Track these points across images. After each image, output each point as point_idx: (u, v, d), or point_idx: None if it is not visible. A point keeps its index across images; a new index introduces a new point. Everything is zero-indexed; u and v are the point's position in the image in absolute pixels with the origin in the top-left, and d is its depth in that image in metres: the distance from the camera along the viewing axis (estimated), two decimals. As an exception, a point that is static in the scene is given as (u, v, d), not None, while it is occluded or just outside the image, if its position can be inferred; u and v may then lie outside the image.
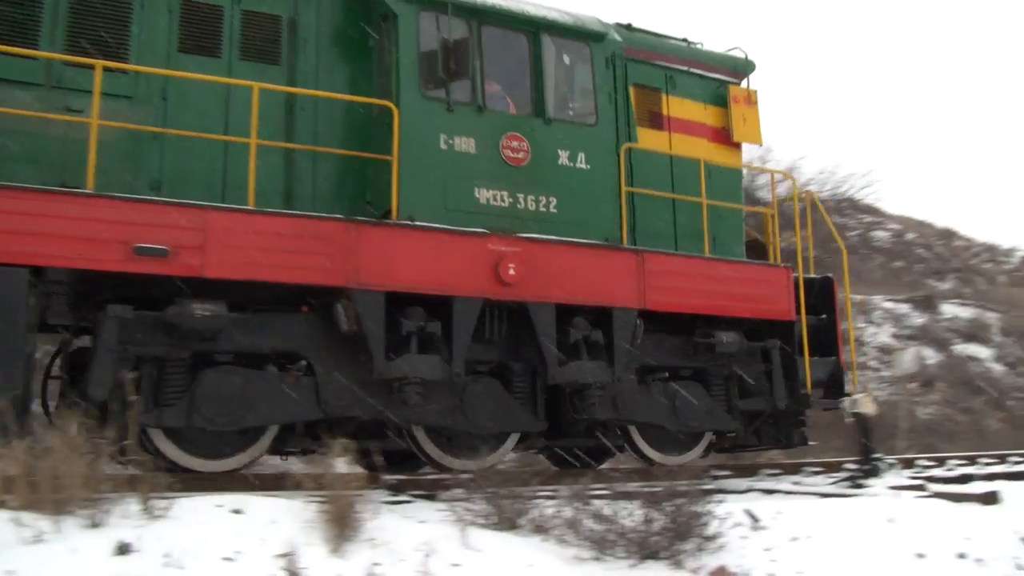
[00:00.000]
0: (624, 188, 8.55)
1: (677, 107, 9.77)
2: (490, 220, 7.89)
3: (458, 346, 7.57)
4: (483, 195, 7.95)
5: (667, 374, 8.84)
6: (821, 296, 9.78)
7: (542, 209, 8.20)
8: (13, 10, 7.05)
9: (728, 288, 8.83)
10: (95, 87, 6.69)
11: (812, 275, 10.24)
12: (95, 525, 4.62)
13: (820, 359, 9.48)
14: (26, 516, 4.50)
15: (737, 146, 10.07)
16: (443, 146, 7.85)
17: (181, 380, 6.98)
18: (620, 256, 8.34)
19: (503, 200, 8.03)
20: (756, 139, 10.15)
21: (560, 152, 8.35)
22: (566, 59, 8.74)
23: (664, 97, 9.71)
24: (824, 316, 9.67)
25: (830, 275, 10.00)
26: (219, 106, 7.61)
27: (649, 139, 9.49)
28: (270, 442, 7.50)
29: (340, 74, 8.12)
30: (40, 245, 6.28)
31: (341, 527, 4.90)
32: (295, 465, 7.89)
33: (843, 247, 9.76)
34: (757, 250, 10.64)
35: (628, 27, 9.76)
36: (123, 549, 4.39)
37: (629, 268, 8.32)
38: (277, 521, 4.94)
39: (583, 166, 8.45)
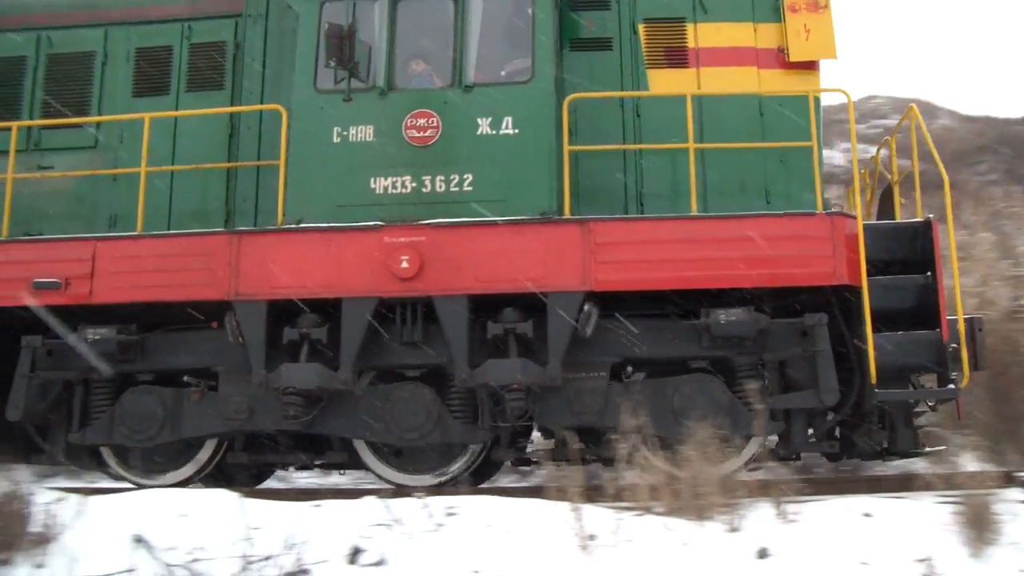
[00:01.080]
0: (567, 149, 7.10)
1: (710, 35, 7.83)
2: (390, 211, 7.13)
3: (346, 352, 6.96)
4: (380, 184, 7.21)
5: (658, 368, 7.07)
6: (919, 247, 7.01)
7: (453, 189, 7.16)
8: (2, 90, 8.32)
9: (726, 252, 6.78)
10: (11, 145, 7.60)
11: (906, 219, 7.38)
12: (734, 529, 4.90)
13: (905, 336, 6.78)
14: (672, 521, 4.95)
15: (808, 67, 7.69)
16: (336, 139, 7.31)
17: (105, 401, 7.48)
18: (554, 230, 6.92)
19: (404, 186, 7.19)
20: (826, 52, 7.64)
21: (480, 121, 7.23)
22: (497, 11, 7.53)
23: (691, 27, 7.85)
24: (928, 274, 6.91)
25: (931, 216, 7.09)
26: (167, 140, 8.04)
27: (665, 81, 7.75)
28: (208, 457, 7.62)
29: (286, 86, 8.01)
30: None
31: (979, 529, 4.75)
32: (918, 464, 7.70)
33: (945, 176, 6.79)
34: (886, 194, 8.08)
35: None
36: (762, 553, 4.57)
37: (569, 243, 6.86)
38: (909, 524, 4.93)
39: (509, 131, 7.20)
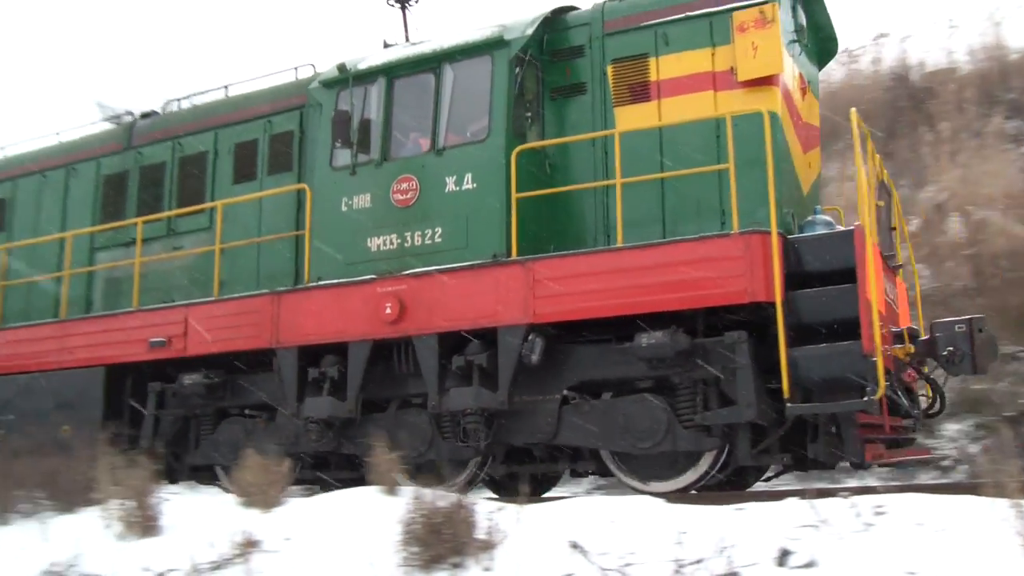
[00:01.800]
0: (515, 196, 7.90)
1: (671, 66, 8.20)
2: (381, 265, 8.42)
3: (351, 386, 8.35)
4: (374, 243, 8.53)
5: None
6: (844, 257, 6.93)
7: (427, 242, 8.28)
8: (148, 193, 10.75)
9: (648, 279, 7.24)
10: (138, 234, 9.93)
11: (832, 230, 7.16)
12: None
13: (827, 347, 6.78)
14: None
15: (764, 82, 7.81)
16: (344, 208, 8.75)
17: (208, 430, 9.50)
18: (502, 271, 7.78)
19: (391, 243, 8.44)
20: (773, 68, 7.69)
21: (447, 180, 8.27)
22: (465, 79, 8.48)
23: (652, 62, 8.28)
24: (847, 286, 6.84)
25: (854, 227, 6.91)
26: (255, 216, 9.96)
27: (629, 117, 8.26)
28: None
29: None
30: (105, 350, 9.71)
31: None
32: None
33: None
34: (882, 198, 7.93)
35: (617, -7, 8.67)
36: None
37: (514, 281, 7.70)
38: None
39: (469, 187, 8.17)
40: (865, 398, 6.59)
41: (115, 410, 9.70)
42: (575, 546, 4.98)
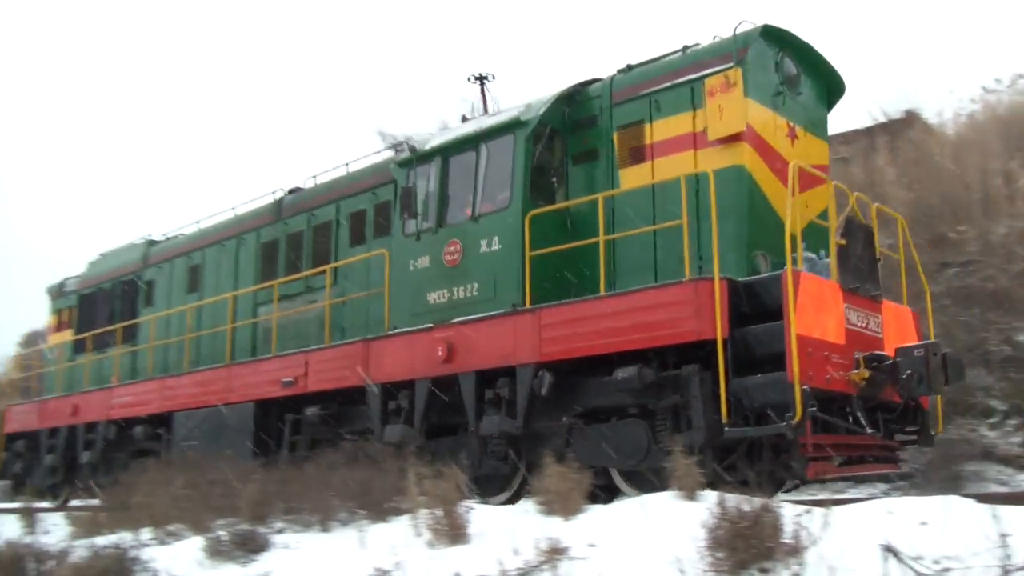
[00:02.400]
0: (528, 254, 9.39)
1: (662, 130, 9.44)
2: (435, 315, 10.21)
3: (417, 416, 10.19)
4: (431, 297, 10.34)
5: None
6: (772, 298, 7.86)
7: (468, 295, 9.97)
8: (292, 256, 13.23)
9: (622, 322, 8.52)
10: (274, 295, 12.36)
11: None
12: None
13: (763, 377, 7.75)
14: None
15: (733, 139, 8.83)
16: (411, 269, 10.65)
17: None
18: (519, 318, 9.31)
19: (443, 297, 10.21)
20: (736, 127, 8.69)
21: (482, 242, 9.92)
22: (495, 156, 10.07)
23: (647, 127, 9.55)
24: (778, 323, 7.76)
25: (781, 272, 7.77)
26: (365, 275, 12.08)
27: (630, 177, 9.56)
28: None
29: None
30: (254, 389, 12.20)
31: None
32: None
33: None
34: (852, 234, 8.74)
35: (627, 68, 9.96)
36: None
37: (528, 327, 9.22)
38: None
39: (496, 248, 9.77)
40: (784, 423, 7.54)
41: (263, 436, 12.17)
42: (888, 549, 4.74)
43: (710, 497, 6.17)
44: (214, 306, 14.21)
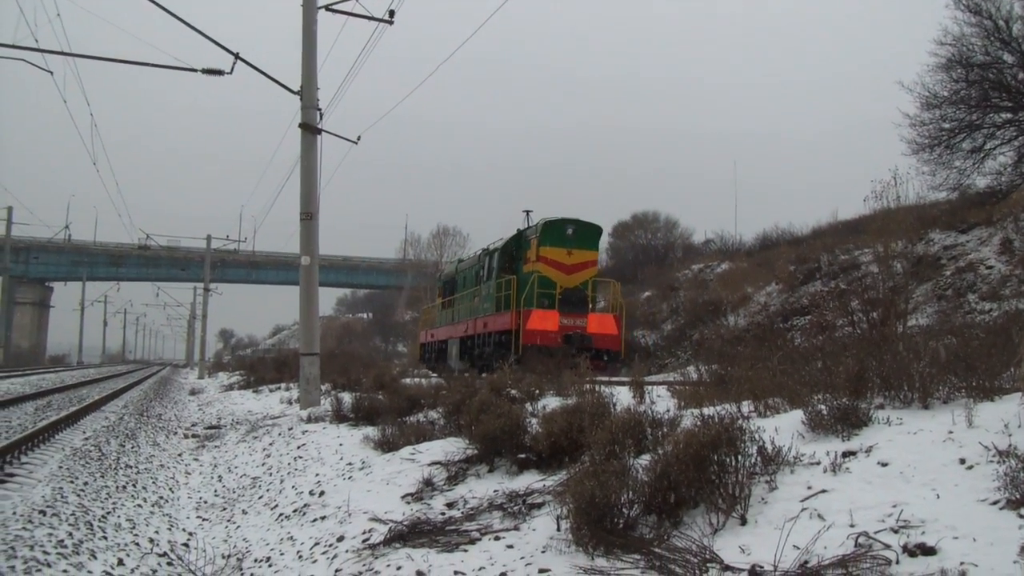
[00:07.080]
0: (502, 293, 28.01)
1: (526, 254, 27.44)
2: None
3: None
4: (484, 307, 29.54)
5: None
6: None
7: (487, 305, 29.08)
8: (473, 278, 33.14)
9: (498, 323, 27.01)
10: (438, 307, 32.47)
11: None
12: None
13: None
14: None
15: (536, 261, 26.61)
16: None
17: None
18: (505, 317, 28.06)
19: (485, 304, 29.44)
20: (533, 259, 26.52)
21: (491, 286, 28.82)
22: (494, 257, 28.77)
23: (526, 252, 27.60)
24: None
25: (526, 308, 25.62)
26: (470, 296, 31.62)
27: (525, 270, 27.75)
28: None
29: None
30: (459, 331, 32.51)
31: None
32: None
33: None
34: (569, 294, 26.42)
35: (524, 229, 28.17)
36: None
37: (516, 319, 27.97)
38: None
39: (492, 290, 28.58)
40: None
41: (464, 354, 32.18)
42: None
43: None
44: (456, 303, 34.56)
